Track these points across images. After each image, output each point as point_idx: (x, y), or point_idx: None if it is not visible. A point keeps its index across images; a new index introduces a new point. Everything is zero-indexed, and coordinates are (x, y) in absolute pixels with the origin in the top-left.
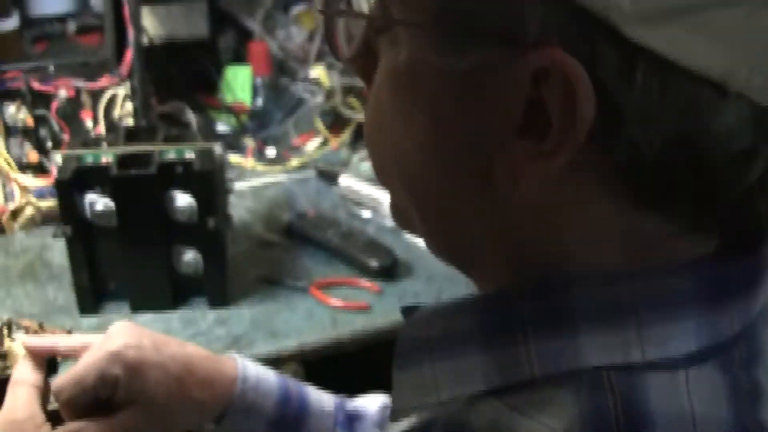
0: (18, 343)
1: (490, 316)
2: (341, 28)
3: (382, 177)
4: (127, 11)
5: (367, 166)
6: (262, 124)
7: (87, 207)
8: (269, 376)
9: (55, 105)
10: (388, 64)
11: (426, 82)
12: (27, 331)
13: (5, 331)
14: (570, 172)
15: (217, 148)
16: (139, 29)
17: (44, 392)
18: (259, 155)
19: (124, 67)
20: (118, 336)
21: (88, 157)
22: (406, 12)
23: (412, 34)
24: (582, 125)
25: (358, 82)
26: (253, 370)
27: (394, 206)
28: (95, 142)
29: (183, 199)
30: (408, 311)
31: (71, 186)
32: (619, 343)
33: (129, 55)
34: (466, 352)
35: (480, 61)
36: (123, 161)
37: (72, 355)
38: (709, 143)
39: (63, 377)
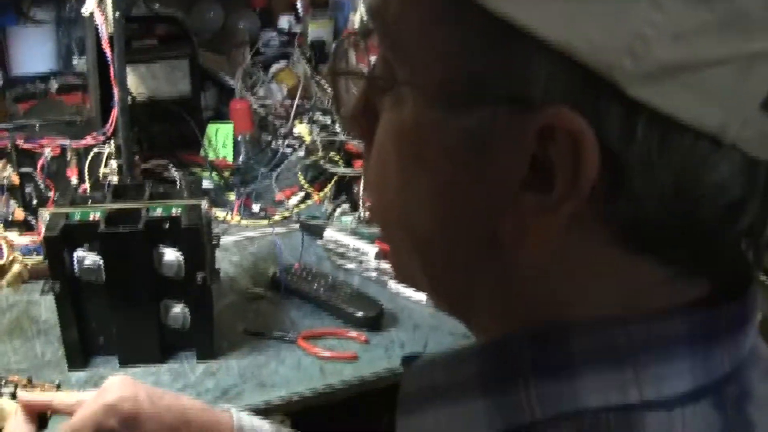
0: (5, 400)
1: (492, 363)
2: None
3: (385, 231)
4: (112, 71)
5: (349, 219)
6: (245, 180)
7: (75, 263)
8: (264, 427)
9: (41, 163)
10: (392, 122)
11: (431, 140)
12: (15, 386)
13: None
14: (572, 224)
15: (204, 204)
16: (124, 89)
17: None
18: (245, 210)
19: (109, 126)
20: (113, 389)
21: (76, 214)
22: (411, 74)
23: (416, 93)
24: (587, 180)
25: (339, 138)
26: (248, 422)
27: (396, 261)
28: (83, 200)
29: (170, 255)
30: (408, 360)
31: (60, 242)
32: (616, 385)
33: (114, 114)
34: (468, 398)
35: (486, 119)
36: (111, 218)
37: (67, 411)
38: (704, 194)
39: (60, 430)
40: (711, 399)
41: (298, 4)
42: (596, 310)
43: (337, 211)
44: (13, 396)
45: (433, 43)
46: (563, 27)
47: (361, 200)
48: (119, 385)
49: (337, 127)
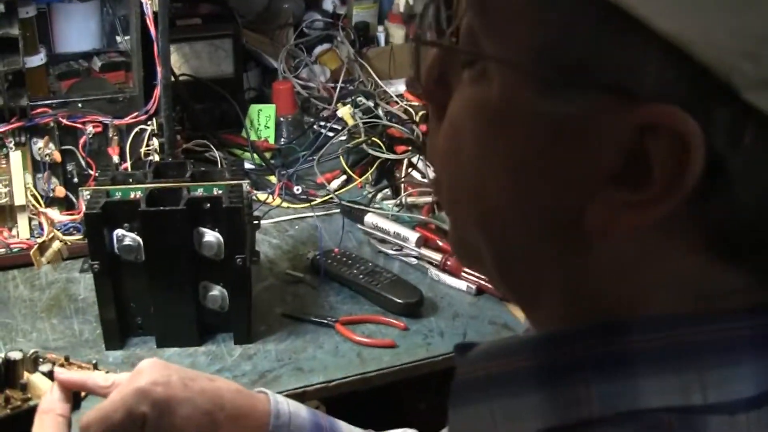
0: (40, 376)
1: (550, 356)
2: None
3: (452, 208)
4: (155, 49)
5: (390, 204)
6: (287, 162)
7: (115, 242)
8: (301, 411)
9: (82, 140)
10: (473, 97)
11: (518, 121)
12: (53, 364)
13: (24, 366)
14: (659, 224)
15: (245, 185)
16: (167, 67)
17: (68, 424)
18: (286, 192)
19: (152, 104)
20: (145, 373)
21: (117, 192)
22: (502, 48)
23: (507, 70)
24: (689, 182)
25: (382, 122)
26: (285, 406)
27: (459, 239)
28: (123, 178)
29: (210, 236)
30: (462, 349)
31: (100, 220)
32: (679, 386)
33: (156, 92)
34: (523, 391)
35: (583, 107)
36: (151, 197)
37: (100, 393)
38: None
39: (91, 413)
40: None
41: None
42: (666, 311)
43: (378, 196)
44: (50, 374)
45: (530, 18)
46: (681, 21)
47: (402, 185)
48: (151, 368)
49: (380, 111)
